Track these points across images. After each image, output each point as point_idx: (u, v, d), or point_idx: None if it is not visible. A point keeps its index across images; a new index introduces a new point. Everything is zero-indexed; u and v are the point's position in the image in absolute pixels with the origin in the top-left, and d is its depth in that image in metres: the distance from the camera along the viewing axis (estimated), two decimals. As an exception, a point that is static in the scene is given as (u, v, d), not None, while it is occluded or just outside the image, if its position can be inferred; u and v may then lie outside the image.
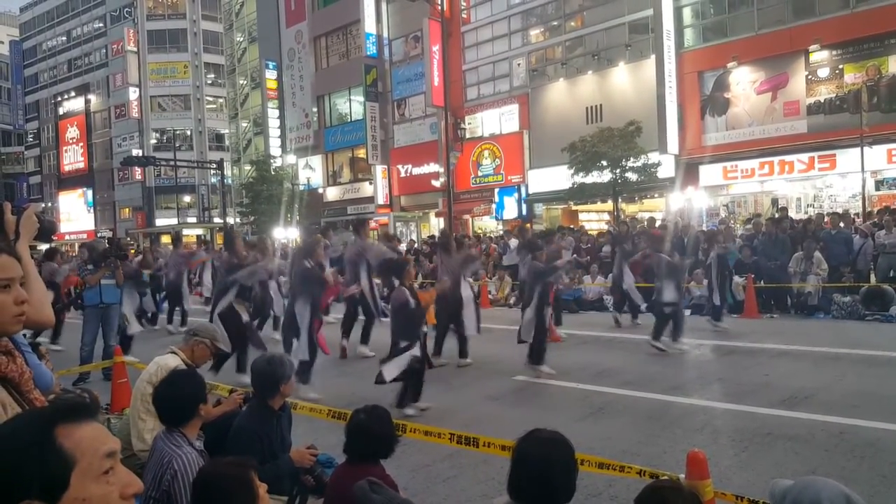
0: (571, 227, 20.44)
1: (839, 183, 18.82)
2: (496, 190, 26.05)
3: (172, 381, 3.05)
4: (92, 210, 54.29)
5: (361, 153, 31.38)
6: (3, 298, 1.60)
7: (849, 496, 1.61)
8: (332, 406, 4.76)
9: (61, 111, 56.11)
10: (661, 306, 8.84)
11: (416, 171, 29.14)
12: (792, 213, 16.53)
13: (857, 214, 15.31)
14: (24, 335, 2.30)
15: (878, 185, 18.23)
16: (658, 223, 15.73)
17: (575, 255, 15.17)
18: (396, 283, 6.69)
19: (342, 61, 32.81)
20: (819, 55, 18.62)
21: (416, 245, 21.05)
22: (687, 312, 10.09)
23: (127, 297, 9.19)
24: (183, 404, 2.93)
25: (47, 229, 2.25)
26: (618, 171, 19.29)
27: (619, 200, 20.80)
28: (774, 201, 18.58)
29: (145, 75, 48.46)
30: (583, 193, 20.65)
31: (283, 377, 3.50)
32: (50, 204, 57.43)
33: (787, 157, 19.08)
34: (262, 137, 38.36)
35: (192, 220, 48.04)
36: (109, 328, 8.28)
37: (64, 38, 57.76)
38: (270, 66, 36.19)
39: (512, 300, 14.47)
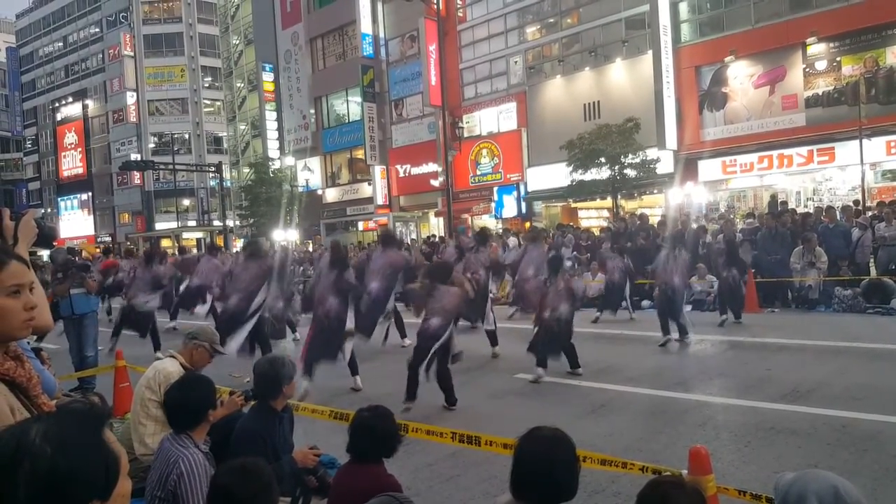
0: (571, 224, 20.44)
1: (838, 176, 18.80)
2: (495, 188, 26.04)
3: (184, 386, 3.06)
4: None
5: (360, 154, 31.37)
6: (13, 304, 1.61)
7: (838, 488, 1.61)
8: (334, 407, 4.76)
9: (59, 117, 56.08)
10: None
11: (415, 170, 29.13)
12: (791, 207, 16.50)
13: (858, 205, 15.26)
14: (28, 341, 2.31)
15: (881, 175, 18.21)
16: (658, 218, 15.76)
17: (576, 252, 15.22)
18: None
19: (339, 62, 32.78)
20: (816, 48, 18.60)
21: (415, 245, 21.02)
22: (688, 308, 10.11)
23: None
24: (193, 409, 2.94)
25: (47, 235, 2.25)
26: (616, 167, 19.28)
27: (619, 197, 20.79)
28: (773, 198, 18.55)
29: (142, 79, 48.44)
30: (582, 191, 20.64)
31: (284, 378, 3.51)
32: (49, 210, 57.46)
33: (786, 151, 19.07)
34: (260, 140, 38.35)
35: (192, 223, 48.04)
36: (85, 338, 8.00)
37: (60, 44, 57.75)
38: (267, 69, 36.17)
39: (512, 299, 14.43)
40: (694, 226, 14.36)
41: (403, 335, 9.72)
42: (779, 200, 17.47)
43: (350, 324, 7.35)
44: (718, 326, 9.95)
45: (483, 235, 10.10)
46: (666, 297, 8.93)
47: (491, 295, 14.83)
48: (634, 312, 11.61)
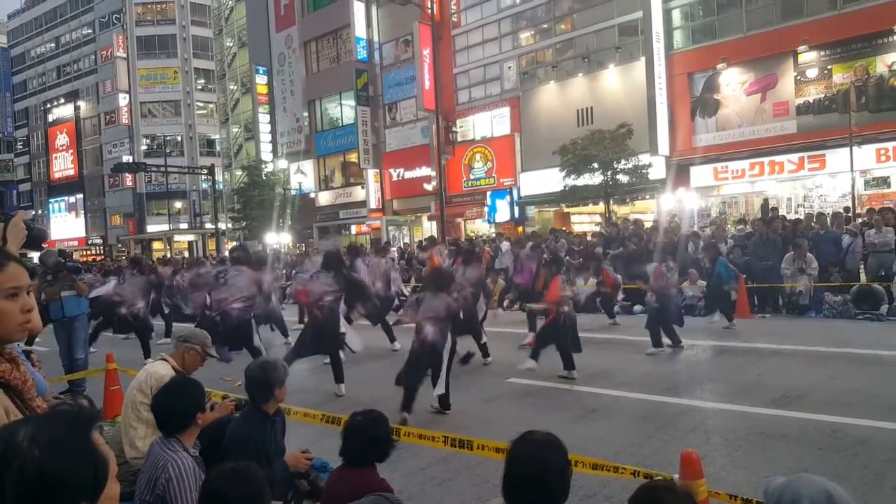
0: (564, 229, 20.47)
1: (829, 183, 18.94)
2: (488, 193, 26.07)
3: (171, 390, 3.04)
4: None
5: (353, 157, 31.36)
6: (11, 306, 1.60)
7: (831, 494, 1.62)
8: (326, 410, 4.74)
9: (51, 118, 55.82)
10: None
11: (409, 174, 29.14)
12: (782, 213, 16.61)
13: (847, 212, 15.37)
14: (18, 343, 2.29)
15: (867, 183, 18.38)
16: (650, 224, 15.84)
17: (568, 257, 15.25)
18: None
19: (333, 66, 32.78)
20: (807, 56, 18.76)
21: (409, 249, 21.02)
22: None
23: None
24: (181, 413, 2.92)
25: (37, 237, 2.23)
26: (609, 173, 19.36)
27: (611, 202, 20.86)
28: (765, 203, 18.68)
29: (135, 81, 48.27)
30: (574, 196, 20.71)
31: (276, 382, 3.49)
32: (39, 211, 57.10)
33: (777, 158, 19.20)
34: (253, 143, 38.29)
35: (184, 226, 47.87)
36: (75, 341, 7.96)
37: (53, 45, 57.48)
38: (261, 71, 36.13)
39: (505, 303, 14.45)
40: (685, 232, 14.43)
41: (392, 339, 9.73)
42: (770, 206, 17.56)
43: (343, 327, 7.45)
44: (709, 323, 9.99)
45: (470, 253, 9.95)
46: (657, 311, 8.92)
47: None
48: (624, 317, 11.67)
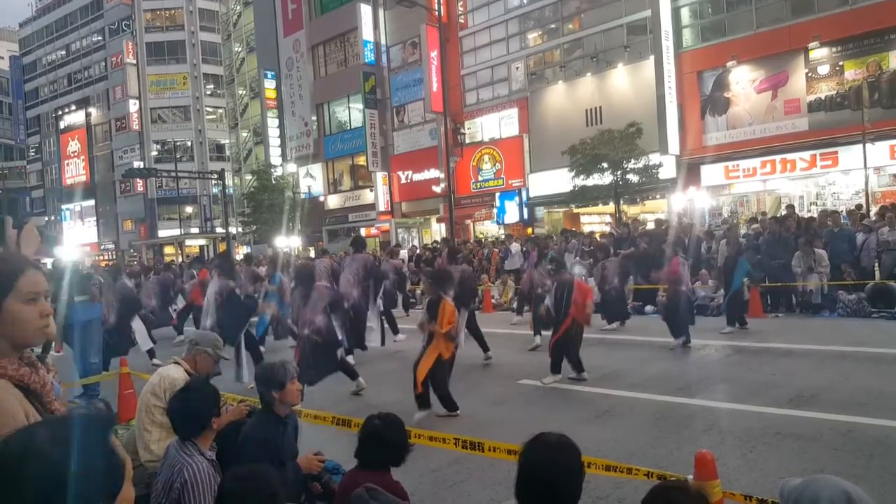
0: (574, 229, 20.42)
1: (842, 180, 18.77)
2: (497, 194, 26.05)
3: (186, 395, 3.05)
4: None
5: (361, 160, 31.43)
6: (30, 311, 1.64)
7: (850, 494, 1.60)
8: (336, 412, 4.75)
9: (62, 125, 56.28)
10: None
11: (417, 177, 29.17)
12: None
13: (861, 209, 15.20)
14: (32, 349, 2.31)
15: (881, 181, 18.17)
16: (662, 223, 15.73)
17: (578, 258, 15.21)
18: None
19: (340, 69, 32.90)
20: (819, 52, 18.61)
21: (417, 251, 21.03)
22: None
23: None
24: (197, 417, 2.93)
25: (50, 243, 2.25)
26: (619, 172, 19.29)
27: (621, 202, 20.78)
28: (777, 201, 18.48)
29: (145, 87, 48.64)
30: (584, 196, 20.64)
31: (274, 384, 3.45)
32: (52, 217, 57.62)
33: (789, 156, 19.05)
34: (262, 147, 38.45)
35: (195, 230, 48.15)
36: (89, 345, 8.06)
37: (63, 53, 58.02)
38: (269, 76, 36.30)
39: (515, 304, 14.43)
40: (699, 232, 14.33)
41: (396, 331, 9.74)
42: (784, 205, 17.38)
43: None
44: (721, 333, 9.80)
45: (453, 251, 9.57)
46: (677, 303, 8.85)
47: (493, 301, 14.91)
48: (635, 318, 11.59)
